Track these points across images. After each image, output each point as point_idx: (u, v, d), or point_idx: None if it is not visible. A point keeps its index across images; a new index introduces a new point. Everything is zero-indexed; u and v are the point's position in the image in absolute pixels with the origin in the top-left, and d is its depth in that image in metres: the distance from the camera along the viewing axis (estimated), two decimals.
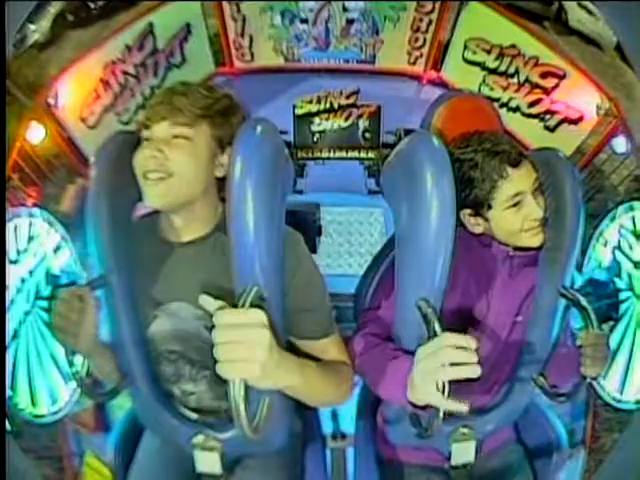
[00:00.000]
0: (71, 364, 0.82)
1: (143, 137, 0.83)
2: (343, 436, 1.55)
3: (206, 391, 0.92)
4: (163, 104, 0.82)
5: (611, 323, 1.32)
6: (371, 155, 2.23)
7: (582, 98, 2.19)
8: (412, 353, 0.77)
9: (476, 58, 2.42)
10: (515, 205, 0.91)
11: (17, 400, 1.25)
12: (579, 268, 1.33)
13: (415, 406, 0.78)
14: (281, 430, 0.95)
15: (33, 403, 1.29)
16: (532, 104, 2.34)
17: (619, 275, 1.37)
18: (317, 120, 2.21)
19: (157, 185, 0.80)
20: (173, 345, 0.89)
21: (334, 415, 1.57)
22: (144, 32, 2.13)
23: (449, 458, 1.00)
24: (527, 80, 2.31)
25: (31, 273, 1.33)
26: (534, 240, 0.94)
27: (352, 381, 0.91)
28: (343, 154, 2.24)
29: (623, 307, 1.36)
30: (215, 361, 0.61)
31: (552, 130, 2.32)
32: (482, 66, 2.41)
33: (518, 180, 0.91)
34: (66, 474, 1.54)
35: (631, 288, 1.37)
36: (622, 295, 1.36)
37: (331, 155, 2.24)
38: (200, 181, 0.83)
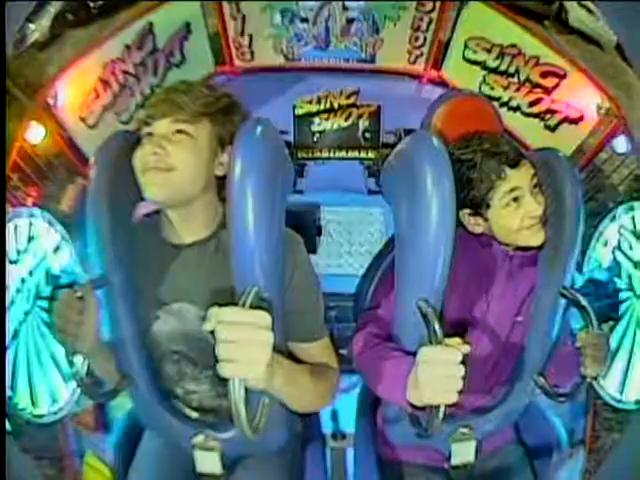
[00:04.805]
0: (71, 364, 0.82)
1: (144, 134, 0.83)
2: (343, 436, 1.56)
3: (208, 390, 0.92)
4: (164, 101, 0.83)
5: (611, 323, 1.32)
6: (371, 155, 2.22)
7: (583, 97, 2.18)
8: (412, 353, 0.77)
9: (476, 57, 2.41)
10: (513, 202, 0.91)
11: (17, 400, 1.25)
12: (579, 268, 1.33)
13: (414, 407, 0.78)
14: (281, 430, 0.95)
15: (33, 403, 1.29)
16: (532, 103, 2.33)
17: (619, 275, 1.37)
18: (317, 120, 2.20)
19: (157, 178, 0.80)
20: (175, 345, 0.89)
21: (334, 415, 1.57)
22: (144, 31, 2.12)
23: (449, 458, 1.00)
24: (527, 79, 2.30)
25: (31, 273, 1.33)
26: (534, 239, 0.94)
27: (337, 386, 0.91)
28: (343, 154, 2.23)
29: (623, 307, 1.36)
30: (217, 361, 0.61)
31: (552, 129, 2.31)
32: (482, 65, 2.39)
33: (516, 180, 0.91)
34: (66, 474, 1.54)
35: (631, 288, 1.37)
36: (622, 295, 1.36)
37: (331, 155, 2.23)
38: (200, 178, 0.83)
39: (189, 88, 0.84)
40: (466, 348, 0.72)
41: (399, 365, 0.81)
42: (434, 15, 2.35)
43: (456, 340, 0.73)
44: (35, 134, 1.77)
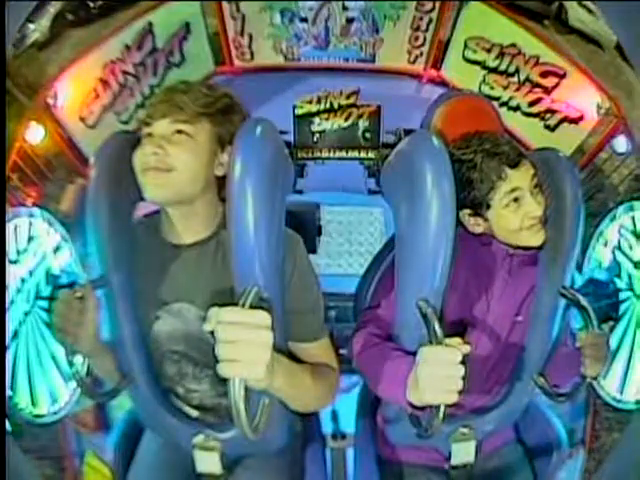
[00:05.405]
0: (71, 364, 0.82)
1: (144, 134, 0.83)
2: (343, 436, 1.56)
3: (209, 390, 0.92)
4: (164, 102, 0.83)
5: (611, 323, 1.32)
6: (371, 155, 2.22)
7: (582, 97, 2.19)
8: (412, 353, 0.77)
9: (476, 57, 2.41)
10: (513, 202, 0.91)
11: (17, 400, 1.25)
12: (579, 268, 1.32)
13: (414, 406, 0.78)
14: (281, 430, 0.95)
15: (33, 403, 1.29)
16: (532, 103, 2.33)
17: (619, 275, 1.37)
18: (317, 120, 2.20)
19: (157, 178, 0.80)
20: (176, 345, 0.90)
21: (334, 415, 1.57)
22: (143, 31, 2.12)
23: (449, 458, 1.00)
24: (527, 79, 2.30)
25: (31, 273, 1.32)
26: (535, 239, 0.94)
27: (337, 386, 0.91)
28: (343, 154, 2.23)
29: (623, 307, 1.36)
30: (217, 361, 0.61)
31: (552, 129, 2.31)
32: (482, 65, 2.39)
33: (516, 180, 0.91)
34: (66, 474, 1.54)
35: (631, 288, 1.37)
36: (622, 295, 1.36)
37: (331, 155, 2.23)
38: (200, 178, 0.83)
39: (189, 88, 0.84)
40: (466, 348, 0.72)
41: (399, 365, 0.81)
42: (434, 15, 2.35)
43: (456, 340, 0.73)
44: (35, 134, 1.77)
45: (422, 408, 0.78)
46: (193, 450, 0.92)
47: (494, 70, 2.37)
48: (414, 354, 0.75)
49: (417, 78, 2.51)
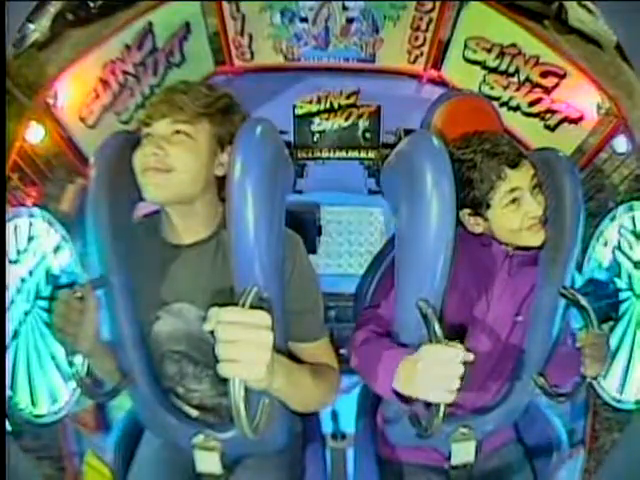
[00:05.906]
0: (71, 364, 0.82)
1: (143, 134, 0.83)
2: (343, 436, 1.56)
3: (209, 389, 0.93)
4: (164, 102, 0.83)
5: (611, 323, 1.32)
6: (371, 155, 2.22)
7: (583, 97, 2.19)
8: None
9: (476, 57, 2.41)
10: (513, 202, 0.91)
11: (17, 400, 1.25)
12: (579, 268, 1.33)
13: (401, 398, 0.78)
14: (281, 430, 0.95)
15: (33, 403, 1.29)
16: (532, 103, 2.33)
17: (619, 275, 1.37)
18: (317, 120, 2.20)
19: (157, 179, 0.80)
20: (176, 345, 0.90)
21: (334, 415, 1.57)
22: (143, 31, 2.12)
23: (449, 458, 1.00)
24: (527, 79, 2.31)
25: (31, 273, 1.33)
26: (535, 239, 0.94)
27: (337, 386, 0.91)
28: (343, 154, 2.23)
29: (623, 307, 1.36)
30: (218, 360, 0.61)
31: (552, 129, 2.31)
32: (482, 65, 2.40)
33: (516, 180, 0.91)
34: (66, 474, 1.54)
35: (631, 288, 1.37)
36: (622, 295, 1.36)
37: (331, 155, 2.23)
38: (200, 179, 0.83)
39: (188, 88, 0.84)
40: (468, 356, 0.71)
41: (395, 356, 0.81)
42: (434, 15, 2.35)
43: (457, 345, 0.73)
44: (35, 134, 1.77)
45: (409, 401, 0.77)
46: (193, 450, 0.92)
47: (494, 70, 2.37)
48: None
49: (417, 78, 2.51)
